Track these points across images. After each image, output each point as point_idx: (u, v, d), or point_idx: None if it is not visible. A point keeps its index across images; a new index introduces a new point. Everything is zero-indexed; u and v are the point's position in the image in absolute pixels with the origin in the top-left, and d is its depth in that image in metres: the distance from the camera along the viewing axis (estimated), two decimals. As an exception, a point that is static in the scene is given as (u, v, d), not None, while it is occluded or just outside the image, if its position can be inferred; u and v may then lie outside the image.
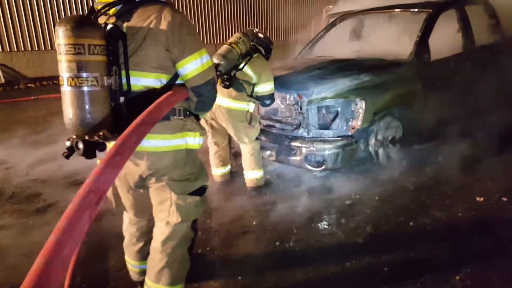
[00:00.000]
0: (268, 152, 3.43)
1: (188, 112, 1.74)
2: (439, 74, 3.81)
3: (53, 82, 9.96)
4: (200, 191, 1.82)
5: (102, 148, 1.55)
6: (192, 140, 1.72)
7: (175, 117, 1.68)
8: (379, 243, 2.53)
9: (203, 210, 1.89)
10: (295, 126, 3.42)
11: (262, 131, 3.61)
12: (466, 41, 4.18)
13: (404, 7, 4.35)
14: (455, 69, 3.98)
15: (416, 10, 4.15)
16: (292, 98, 3.48)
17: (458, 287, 2.07)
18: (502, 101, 4.06)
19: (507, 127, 3.92)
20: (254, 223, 2.86)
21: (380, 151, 3.47)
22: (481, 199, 3.02)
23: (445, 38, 3.97)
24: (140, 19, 1.56)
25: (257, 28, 16.29)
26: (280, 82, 3.60)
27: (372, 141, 3.38)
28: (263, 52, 3.34)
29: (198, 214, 1.88)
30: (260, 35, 3.37)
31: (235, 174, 3.64)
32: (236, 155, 3.93)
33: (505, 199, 2.99)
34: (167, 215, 1.78)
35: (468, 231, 2.61)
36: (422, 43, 3.76)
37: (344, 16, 5.01)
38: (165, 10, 1.58)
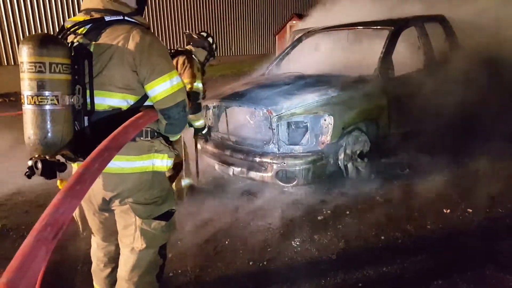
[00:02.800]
0: (239, 169, 3.37)
1: (156, 133, 1.68)
2: (402, 89, 3.93)
3: (9, 99, 9.47)
4: (167, 216, 1.74)
5: (62, 168, 1.47)
6: (160, 162, 1.66)
7: (141, 138, 1.62)
8: (352, 259, 2.51)
9: (170, 235, 1.80)
10: (265, 142, 3.39)
11: (232, 148, 3.57)
12: (427, 56, 4.36)
13: (367, 24, 4.49)
14: (417, 83, 4.12)
15: (378, 27, 4.29)
16: (261, 114, 3.46)
17: (431, 301, 2.09)
18: (462, 113, 4.26)
19: (469, 139, 4.11)
20: (227, 242, 2.78)
21: (349, 165, 3.50)
22: (448, 211, 3.10)
23: (407, 55, 4.12)
24: (108, 39, 1.53)
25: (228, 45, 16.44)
26: (249, 98, 3.60)
27: (341, 155, 3.41)
28: (203, 55, 3.42)
29: (165, 239, 1.79)
30: (195, 36, 3.41)
31: (204, 192, 3.55)
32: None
33: (470, 210, 3.09)
34: (132, 240, 1.70)
35: (437, 244, 2.65)
36: (385, 60, 3.88)
37: (309, 33, 5.11)
38: (134, 30, 1.54)
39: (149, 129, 1.64)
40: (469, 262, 2.39)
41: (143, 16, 1.72)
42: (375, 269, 2.38)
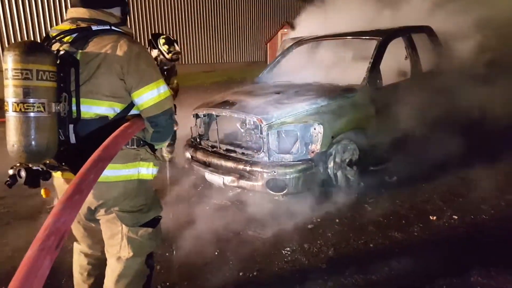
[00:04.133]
0: (229, 178, 3.38)
1: (142, 142, 1.70)
2: (390, 99, 4.01)
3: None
4: (153, 223, 1.76)
5: (46, 177, 1.49)
6: (145, 171, 1.68)
7: (127, 146, 1.64)
8: (341, 267, 2.54)
9: (157, 243, 1.82)
10: (255, 151, 3.42)
11: (222, 156, 3.59)
12: (414, 66, 4.45)
13: (356, 34, 4.57)
14: (405, 93, 4.20)
15: (367, 37, 4.38)
16: (252, 122, 3.50)
17: (418, 308, 2.12)
18: (448, 122, 4.36)
19: (455, 146, 4.19)
20: (216, 253, 2.78)
21: (339, 173, 3.55)
22: (434, 218, 3.16)
23: (395, 65, 4.21)
24: (95, 48, 1.54)
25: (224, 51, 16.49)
26: (240, 106, 3.63)
27: (330, 164, 3.46)
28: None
29: (152, 247, 1.79)
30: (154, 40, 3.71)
31: (193, 202, 3.55)
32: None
33: (455, 217, 3.15)
34: (118, 249, 1.70)
35: (424, 251, 2.70)
36: (373, 69, 3.95)
37: (299, 42, 5.18)
38: (122, 40, 1.57)
39: (135, 137, 1.66)
40: (454, 269, 2.44)
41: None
42: (364, 277, 2.42)
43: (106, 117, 1.57)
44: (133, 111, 1.65)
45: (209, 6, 16.57)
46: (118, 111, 1.59)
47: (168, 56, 4.01)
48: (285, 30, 18.23)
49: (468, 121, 4.68)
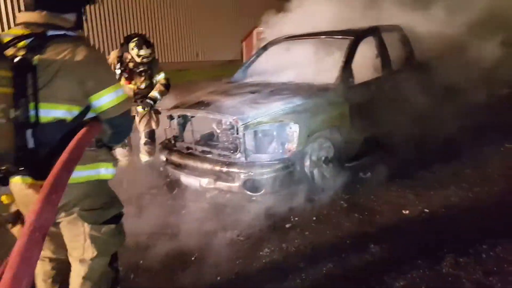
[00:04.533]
0: (206, 180, 3.37)
1: (100, 143, 1.74)
2: (363, 97, 4.09)
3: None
4: (115, 220, 1.79)
5: (4, 183, 1.51)
6: (105, 171, 1.73)
7: (87, 148, 1.64)
8: (319, 265, 2.57)
9: (121, 242, 1.84)
10: (232, 151, 3.42)
11: (198, 158, 3.57)
12: (384, 65, 4.56)
13: (329, 34, 4.64)
14: (376, 91, 4.30)
15: (339, 37, 4.44)
16: (227, 123, 3.49)
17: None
18: (417, 118, 4.50)
19: (425, 142, 4.34)
20: (193, 258, 2.75)
21: (315, 171, 3.60)
22: (407, 211, 3.25)
23: (366, 63, 4.30)
24: (53, 53, 1.55)
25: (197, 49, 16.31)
26: (215, 107, 3.62)
27: (307, 162, 3.50)
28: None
29: (116, 245, 1.82)
30: None
31: (169, 205, 3.51)
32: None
33: (427, 210, 3.25)
34: (82, 251, 1.72)
35: (398, 245, 2.77)
36: (346, 68, 4.01)
37: (274, 41, 5.20)
38: (79, 45, 1.60)
39: (93, 139, 1.69)
40: (427, 261, 2.52)
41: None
42: (342, 275, 2.46)
43: (64, 120, 1.59)
44: (90, 114, 1.69)
45: (183, 4, 16.37)
46: (76, 114, 1.62)
47: (138, 60, 4.08)
48: (261, 28, 18.22)
49: (437, 117, 4.85)
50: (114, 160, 1.77)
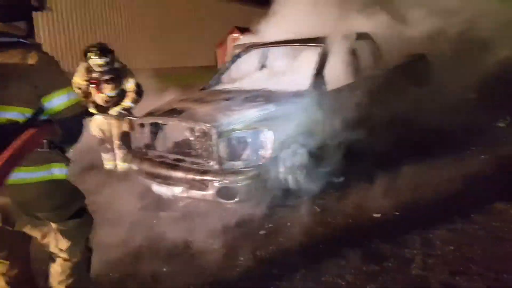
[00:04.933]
0: (179, 189, 3.33)
1: (53, 144, 1.78)
2: (335, 103, 4.17)
3: None
4: (79, 213, 1.88)
5: None
6: (58, 171, 1.78)
7: (38, 149, 1.71)
8: (293, 271, 2.59)
9: (91, 228, 1.96)
10: (205, 159, 3.40)
11: (171, 166, 3.53)
12: (355, 71, 4.67)
13: (301, 41, 4.72)
14: (348, 97, 4.40)
15: (312, 44, 4.53)
16: (201, 130, 3.47)
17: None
18: (389, 122, 4.63)
19: (396, 146, 4.47)
20: (165, 269, 2.71)
21: (289, 177, 3.62)
22: (378, 215, 3.33)
23: (338, 70, 4.39)
24: (5, 58, 1.62)
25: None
26: (188, 115, 3.60)
27: (281, 169, 3.52)
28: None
29: (88, 233, 1.95)
30: None
31: (138, 214, 3.45)
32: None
33: (397, 213, 3.34)
34: (55, 243, 1.84)
35: (370, 249, 2.83)
36: (318, 75, 4.09)
37: (248, 48, 5.24)
38: (32, 51, 1.67)
39: (46, 140, 1.73)
40: (397, 263, 2.59)
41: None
42: (316, 281, 2.49)
43: (17, 122, 1.64)
44: (43, 116, 1.74)
45: (154, 9, 16.20)
46: (29, 116, 1.67)
47: (97, 69, 4.10)
48: (235, 34, 18.31)
49: (405, 122, 5.01)
50: (67, 161, 1.84)
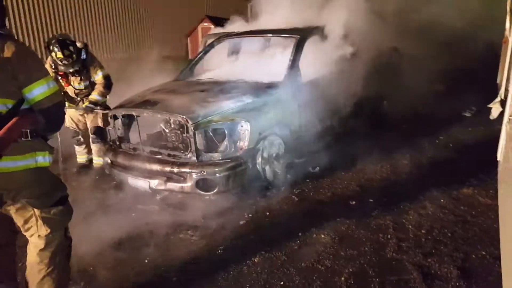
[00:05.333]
0: (156, 181, 3.29)
1: (35, 133, 1.81)
2: (309, 94, 4.23)
3: None
4: (62, 201, 1.94)
5: None
6: (42, 159, 1.83)
7: (22, 139, 1.75)
8: (273, 260, 2.64)
9: (70, 217, 2.01)
10: (182, 151, 3.37)
11: (146, 159, 3.47)
12: (329, 63, 4.73)
13: (275, 32, 4.72)
14: (322, 88, 4.46)
15: (286, 35, 4.54)
16: (177, 122, 3.43)
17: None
18: (362, 113, 4.75)
19: (368, 136, 4.60)
20: (146, 261, 2.69)
21: (267, 168, 3.66)
22: (353, 202, 3.43)
23: (313, 61, 4.44)
24: None
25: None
26: (163, 106, 3.53)
27: (258, 159, 3.54)
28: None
29: (67, 221, 1.99)
30: None
31: (117, 208, 3.39)
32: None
33: (371, 200, 3.46)
34: (36, 229, 1.87)
35: (347, 235, 2.92)
36: (293, 66, 4.12)
37: (221, 38, 5.18)
38: (8, 41, 1.68)
39: (28, 129, 1.77)
40: (372, 248, 2.70)
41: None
42: (294, 266, 2.55)
43: (0, 113, 1.66)
44: (24, 106, 1.76)
45: (122, -3, 15.64)
46: (10, 107, 1.69)
47: (60, 63, 3.97)
48: (206, 24, 18.01)
49: (377, 113, 5.15)
50: (51, 149, 1.88)
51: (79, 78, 4.16)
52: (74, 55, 3.94)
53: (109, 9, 15.18)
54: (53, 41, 3.90)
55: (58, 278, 1.94)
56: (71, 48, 3.92)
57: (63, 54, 3.87)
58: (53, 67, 4.04)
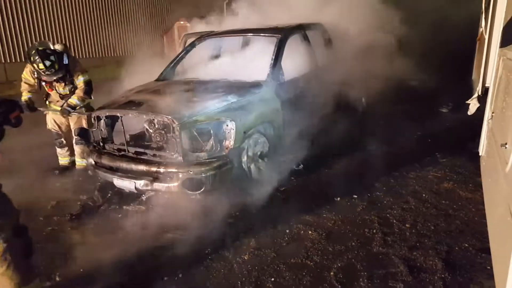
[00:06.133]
0: (142, 182, 3.24)
1: None
2: (292, 92, 4.27)
3: None
4: None
5: None
6: None
7: None
8: (262, 257, 2.67)
9: (8, 217, 2.04)
10: (168, 151, 3.34)
11: (132, 160, 3.42)
12: (310, 61, 4.79)
13: (257, 31, 4.73)
14: (304, 86, 4.52)
15: (267, 35, 4.56)
16: (162, 122, 3.39)
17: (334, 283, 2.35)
18: (343, 111, 4.84)
19: (350, 133, 4.69)
20: (136, 261, 2.67)
21: (252, 166, 3.68)
22: (338, 199, 3.50)
23: (294, 60, 4.48)
24: None
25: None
26: (148, 107, 3.49)
27: (244, 158, 3.56)
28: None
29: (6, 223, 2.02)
30: None
31: (103, 209, 3.34)
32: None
33: (355, 196, 3.53)
34: None
35: (334, 230, 2.98)
36: (275, 65, 4.15)
37: (202, 38, 5.15)
38: None
39: None
40: (359, 242, 2.77)
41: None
42: (284, 262, 2.59)
43: None
44: None
45: (97, -5, 15.27)
46: None
47: (43, 74, 3.87)
48: (182, 22, 17.81)
49: (359, 110, 5.25)
50: None
51: (63, 83, 4.10)
52: (56, 65, 3.85)
53: (81, 14, 14.79)
54: (33, 52, 3.78)
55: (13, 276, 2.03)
56: (52, 58, 3.82)
57: (45, 65, 3.78)
58: (35, 75, 3.97)
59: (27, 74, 4.09)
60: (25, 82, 4.11)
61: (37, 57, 3.75)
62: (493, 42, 2.89)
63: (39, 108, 4.12)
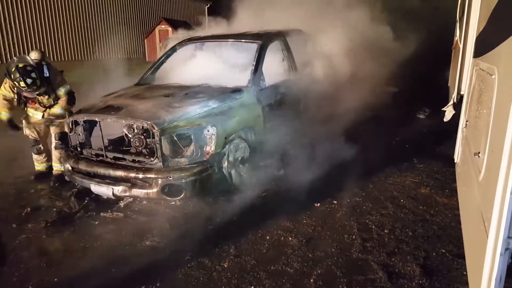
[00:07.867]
0: (120, 188, 3.18)
1: None
2: (272, 98, 4.29)
3: None
4: None
5: None
6: None
7: None
8: (242, 263, 2.66)
9: None
10: (147, 157, 3.29)
11: (110, 165, 3.35)
12: (290, 67, 4.83)
13: (238, 37, 4.74)
14: (284, 92, 4.55)
15: (248, 41, 4.57)
16: (141, 127, 3.35)
17: None
18: (323, 117, 4.88)
19: (330, 138, 4.73)
20: (113, 269, 2.61)
21: (233, 172, 3.66)
22: (318, 204, 3.52)
23: (275, 66, 4.51)
24: None
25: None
26: (127, 112, 3.43)
27: (225, 163, 3.54)
28: None
29: None
30: None
31: (79, 217, 3.25)
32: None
33: (335, 202, 3.56)
34: None
35: (313, 237, 2.98)
36: (256, 71, 4.16)
37: (183, 43, 5.12)
38: None
39: None
40: (338, 249, 2.78)
41: None
42: (264, 269, 2.58)
43: None
44: None
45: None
46: None
47: (24, 91, 3.81)
48: (163, 26, 17.72)
49: (337, 115, 5.29)
50: None
51: (46, 96, 4.01)
52: (37, 81, 3.75)
53: (61, 17, 14.51)
54: (13, 70, 3.66)
55: None
56: (33, 75, 3.71)
57: (26, 84, 3.68)
58: (15, 90, 3.89)
59: (6, 90, 3.95)
60: (4, 99, 3.96)
61: (17, 75, 3.64)
62: (467, 51, 2.98)
63: (19, 125, 4.07)
